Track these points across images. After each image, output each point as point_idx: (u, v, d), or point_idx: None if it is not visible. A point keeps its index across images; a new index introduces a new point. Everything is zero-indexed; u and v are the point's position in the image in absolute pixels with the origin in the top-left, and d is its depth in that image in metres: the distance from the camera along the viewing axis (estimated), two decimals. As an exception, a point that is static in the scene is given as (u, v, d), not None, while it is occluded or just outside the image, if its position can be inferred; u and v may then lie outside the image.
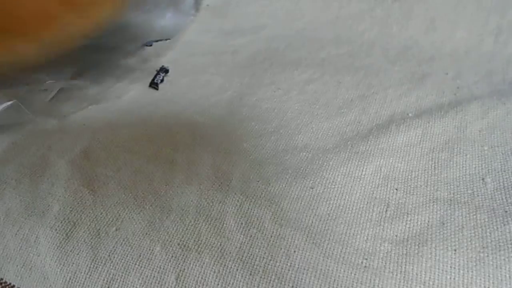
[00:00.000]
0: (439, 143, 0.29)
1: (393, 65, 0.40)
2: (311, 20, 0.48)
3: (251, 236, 0.24)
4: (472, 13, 0.42)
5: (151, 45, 0.44)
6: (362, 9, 0.47)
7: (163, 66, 0.42)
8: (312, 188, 0.26)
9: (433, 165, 0.27)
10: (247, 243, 0.23)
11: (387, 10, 0.45)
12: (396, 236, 0.23)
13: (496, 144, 0.28)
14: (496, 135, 0.29)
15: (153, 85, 0.40)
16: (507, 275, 0.20)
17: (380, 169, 0.27)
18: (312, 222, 0.24)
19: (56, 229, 0.24)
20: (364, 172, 0.27)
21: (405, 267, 0.21)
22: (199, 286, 0.22)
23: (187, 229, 0.24)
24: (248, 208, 0.25)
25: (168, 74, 0.41)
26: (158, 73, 0.41)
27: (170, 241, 0.24)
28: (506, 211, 0.23)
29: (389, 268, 0.21)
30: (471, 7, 0.43)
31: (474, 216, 0.23)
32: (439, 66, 0.39)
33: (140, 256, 0.23)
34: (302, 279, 0.22)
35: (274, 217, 0.25)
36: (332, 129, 0.31)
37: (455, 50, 0.41)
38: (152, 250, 0.23)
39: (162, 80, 0.40)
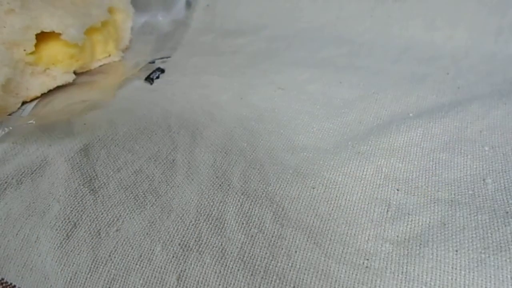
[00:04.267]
0: (440, 143, 0.29)
1: (393, 65, 0.40)
2: (311, 20, 0.48)
3: (252, 236, 0.24)
4: (473, 13, 0.42)
5: (153, 63, 0.45)
6: (362, 9, 0.47)
7: (159, 67, 0.44)
8: (313, 188, 0.26)
9: (434, 165, 0.27)
10: (248, 243, 0.23)
11: (388, 10, 0.45)
12: (397, 236, 0.23)
13: (496, 144, 0.28)
14: (497, 136, 0.29)
15: (149, 79, 0.41)
16: (509, 276, 0.20)
17: (381, 169, 0.27)
18: (313, 222, 0.24)
19: (56, 229, 0.24)
20: (365, 172, 0.27)
21: (406, 268, 0.21)
22: (200, 286, 0.22)
23: (187, 229, 0.24)
24: (249, 208, 0.25)
25: (165, 73, 0.43)
26: (154, 71, 0.42)
27: (171, 241, 0.24)
28: (507, 212, 0.23)
29: (391, 268, 0.21)
30: (471, 7, 0.43)
31: (475, 217, 0.23)
32: (440, 66, 0.39)
33: (140, 256, 0.23)
34: (303, 279, 0.22)
35: (275, 217, 0.25)
36: (333, 129, 0.31)
37: (455, 50, 0.41)
38: (153, 250, 0.23)
39: (157, 77, 0.41)
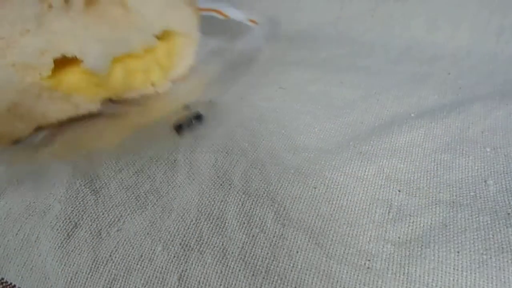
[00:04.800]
0: (442, 144, 0.29)
1: (394, 65, 0.40)
2: (313, 20, 0.48)
3: (253, 236, 0.24)
4: (474, 13, 0.42)
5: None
6: (363, 9, 0.47)
7: (198, 112, 0.33)
8: (315, 188, 0.26)
9: (435, 166, 0.27)
10: (249, 243, 0.23)
11: (389, 10, 0.45)
12: (399, 237, 0.23)
13: (498, 145, 0.28)
14: (499, 137, 0.29)
15: (177, 128, 0.32)
16: (510, 277, 0.20)
17: (383, 170, 0.27)
18: (315, 222, 0.24)
19: (57, 229, 0.24)
20: (366, 173, 0.27)
21: (408, 269, 0.21)
22: (201, 286, 0.22)
23: (188, 228, 0.24)
24: (250, 208, 0.25)
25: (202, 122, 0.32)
26: (190, 119, 0.32)
27: (172, 241, 0.24)
28: (508, 214, 0.23)
29: (392, 269, 0.21)
30: (473, 7, 0.43)
31: (477, 218, 0.23)
32: (441, 66, 0.39)
33: (141, 256, 0.23)
34: (304, 279, 0.22)
35: (277, 217, 0.25)
36: (334, 130, 0.31)
37: (457, 50, 0.41)
38: (154, 250, 0.23)
39: (190, 125, 0.32)
